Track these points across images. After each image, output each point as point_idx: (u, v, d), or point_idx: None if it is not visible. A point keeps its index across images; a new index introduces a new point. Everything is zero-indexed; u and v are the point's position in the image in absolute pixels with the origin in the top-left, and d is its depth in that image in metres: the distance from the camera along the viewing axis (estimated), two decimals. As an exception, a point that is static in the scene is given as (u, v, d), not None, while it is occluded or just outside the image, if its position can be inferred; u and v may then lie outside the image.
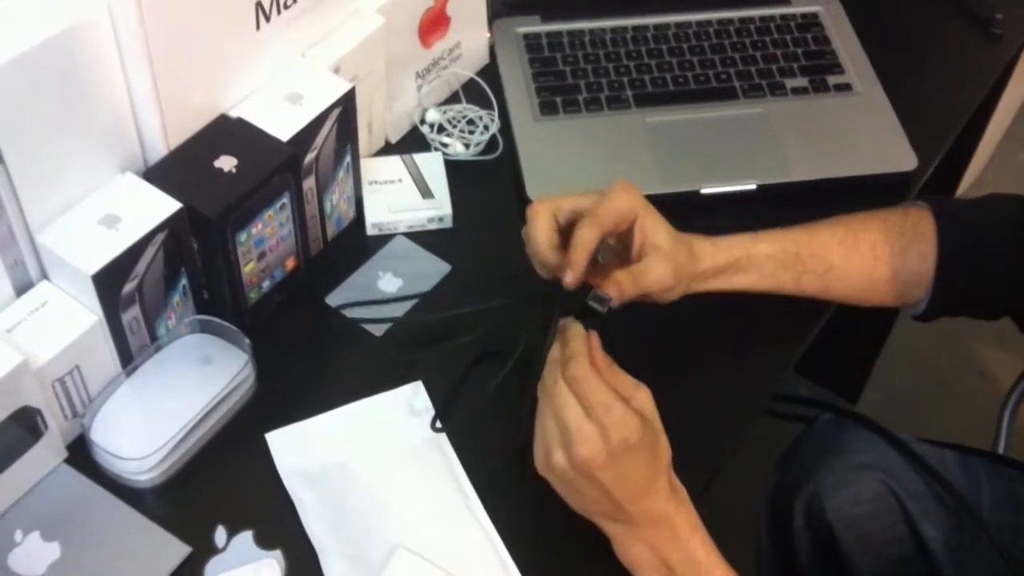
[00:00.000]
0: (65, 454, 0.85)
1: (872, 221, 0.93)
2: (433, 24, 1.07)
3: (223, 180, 0.85)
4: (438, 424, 0.88)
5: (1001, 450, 1.31)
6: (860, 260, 0.92)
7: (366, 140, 1.04)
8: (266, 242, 0.90)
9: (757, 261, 0.90)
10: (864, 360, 1.87)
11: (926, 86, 1.20)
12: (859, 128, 1.13)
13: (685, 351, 0.95)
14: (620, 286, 0.82)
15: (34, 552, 0.80)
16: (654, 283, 0.84)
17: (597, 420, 0.75)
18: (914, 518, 1.03)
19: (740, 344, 0.96)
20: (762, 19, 1.21)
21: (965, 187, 2.20)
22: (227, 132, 0.89)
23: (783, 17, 1.22)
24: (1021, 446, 1.31)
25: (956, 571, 1.02)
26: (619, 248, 0.87)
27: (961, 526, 1.02)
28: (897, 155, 1.10)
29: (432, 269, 0.99)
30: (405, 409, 0.90)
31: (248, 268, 0.90)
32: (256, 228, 0.88)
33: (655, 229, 0.85)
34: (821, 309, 0.98)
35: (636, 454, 0.76)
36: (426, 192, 1.03)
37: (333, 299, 0.97)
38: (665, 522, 0.77)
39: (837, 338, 1.29)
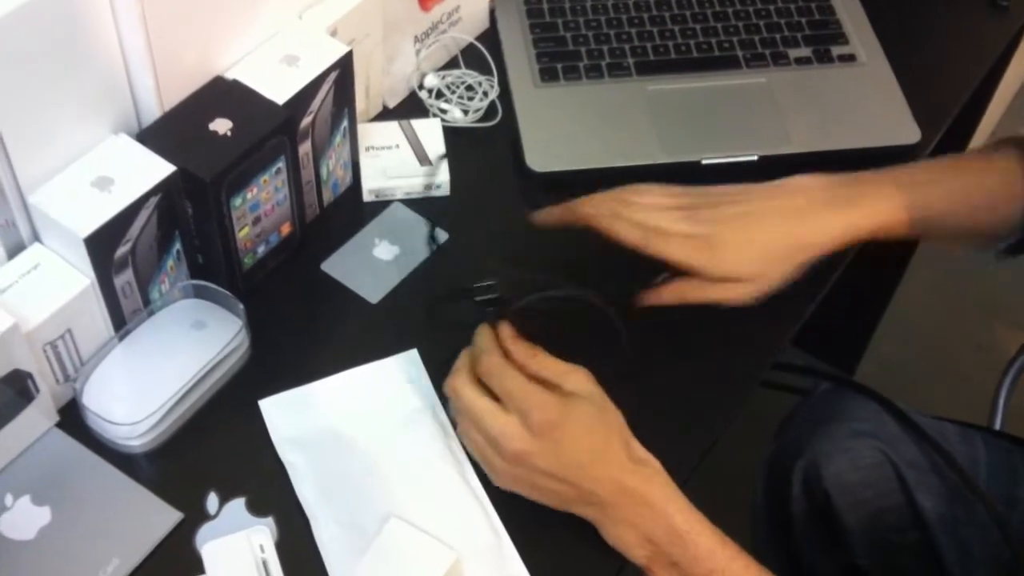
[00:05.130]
0: (56, 418, 0.84)
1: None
2: (433, -13, 1.05)
3: (218, 143, 0.84)
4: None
5: (997, 425, 1.31)
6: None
7: (363, 105, 1.03)
8: (261, 207, 0.89)
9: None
10: (861, 332, 1.87)
11: (931, 58, 1.18)
12: (862, 100, 1.12)
13: (684, 322, 0.94)
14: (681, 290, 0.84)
15: (24, 516, 0.79)
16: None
17: (515, 408, 0.77)
18: (911, 487, 1.03)
19: (739, 315, 0.95)
20: (766, -13, 1.20)
21: (966, 161, 2.19)
22: (222, 94, 0.87)
23: (788, -14, 1.20)
24: (1017, 421, 1.31)
25: (950, 541, 1.02)
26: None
27: (957, 497, 1.02)
28: (900, 128, 1.09)
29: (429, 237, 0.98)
30: (400, 377, 0.89)
31: (243, 233, 0.89)
32: (251, 192, 0.87)
33: None
34: (820, 280, 0.98)
35: (568, 431, 0.77)
36: (424, 158, 1.02)
37: (328, 266, 0.96)
38: (636, 496, 0.77)
39: (835, 310, 1.29)
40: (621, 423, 0.80)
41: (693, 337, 0.93)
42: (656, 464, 0.79)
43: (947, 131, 1.13)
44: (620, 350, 0.88)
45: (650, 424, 0.81)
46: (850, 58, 1.14)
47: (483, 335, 0.83)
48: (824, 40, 1.16)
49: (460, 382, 0.81)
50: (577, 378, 0.80)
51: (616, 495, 0.77)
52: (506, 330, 0.82)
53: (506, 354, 0.81)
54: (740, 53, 1.14)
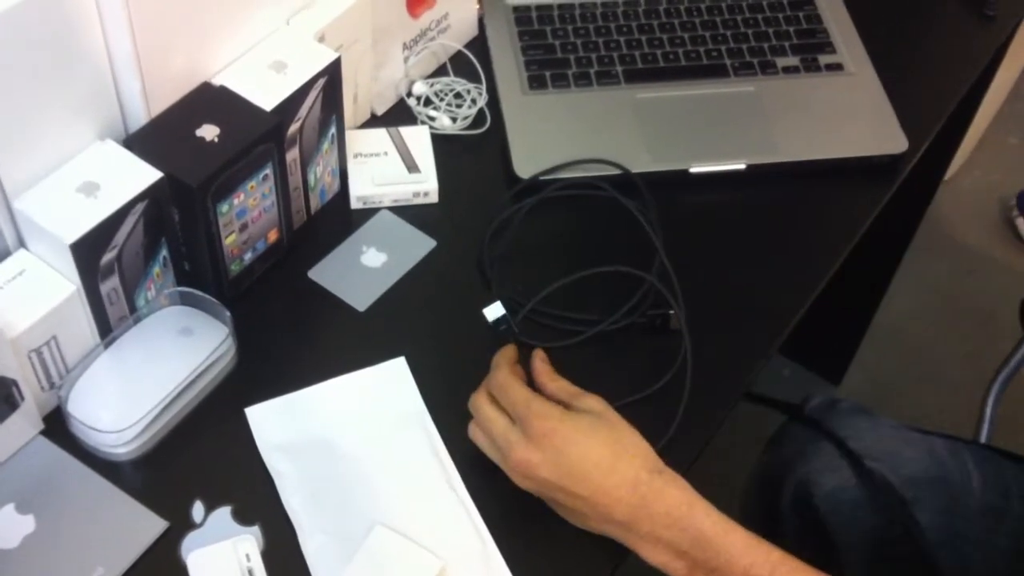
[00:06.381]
0: (41, 426, 0.84)
1: None
2: (421, -6, 1.05)
3: (205, 149, 0.84)
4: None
5: (983, 437, 1.31)
6: None
7: (351, 111, 1.03)
8: (248, 213, 0.89)
9: None
10: (848, 341, 1.87)
11: (918, 67, 1.19)
12: (849, 109, 1.12)
13: (671, 331, 0.94)
14: None
15: (8, 524, 0.79)
16: None
17: (518, 419, 0.79)
18: (908, 503, 1.02)
19: (724, 324, 0.95)
20: (754, -4, 1.20)
21: (954, 170, 2.20)
22: (209, 100, 0.87)
23: (776, -5, 1.20)
24: (1005, 432, 1.31)
25: (950, 555, 1.02)
26: None
27: (957, 511, 1.02)
28: (887, 137, 1.09)
29: (417, 244, 0.98)
30: (387, 385, 0.89)
31: (229, 239, 0.88)
32: (238, 199, 0.86)
33: None
34: (807, 289, 0.98)
35: (570, 440, 0.77)
36: (412, 166, 1.01)
37: (315, 273, 0.96)
38: (653, 508, 0.76)
39: (821, 319, 1.29)
40: (637, 440, 0.79)
41: (676, 344, 0.93)
42: (673, 473, 0.78)
43: (934, 140, 1.14)
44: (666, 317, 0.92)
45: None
46: (837, 67, 1.15)
47: (498, 354, 0.84)
48: (812, 49, 1.16)
49: (480, 398, 0.82)
50: (589, 399, 0.81)
51: (632, 509, 0.76)
52: (541, 353, 0.85)
53: (531, 375, 0.83)
54: (728, 62, 1.14)
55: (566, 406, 0.80)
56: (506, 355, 0.84)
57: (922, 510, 1.02)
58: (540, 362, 0.84)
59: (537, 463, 0.77)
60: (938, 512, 1.02)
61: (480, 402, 0.82)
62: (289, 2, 0.92)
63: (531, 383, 0.83)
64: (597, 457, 0.77)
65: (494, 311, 0.85)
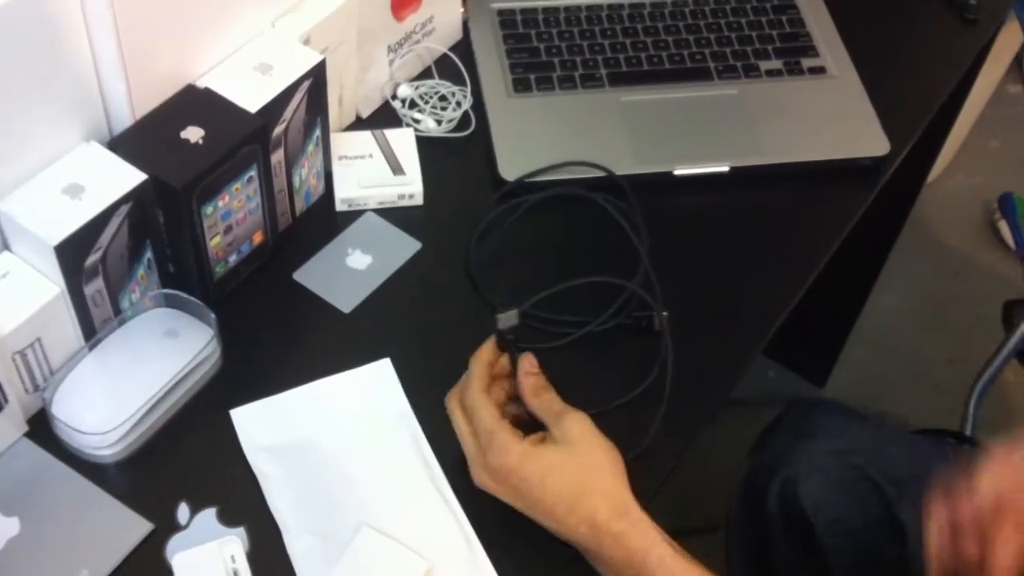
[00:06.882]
0: (26, 428, 0.84)
1: None
2: (406, -3, 1.05)
3: (190, 151, 0.84)
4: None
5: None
6: None
7: (336, 114, 1.03)
8: (233, 215, 0.89)
9: None
10: (833, 343, 1.88)
11: (900, 71, 1.19)
12: (832, 112, 1.12)
13: (656, 332, 0.94)
14: None
15: (-8, 527, 0.79)
16: None
17: (482, 447, 0.79)
18: (891, 501, 1.03)
19: (708, 325, 0.95)
20: (738, 0, 1.20)
21: (936, 174, 2.21)
22: (194, 102, 0.87)
23: (759, -2, 1.21)
24: (987, 433, 1.32)
25: None
26: None
27: None
28: (870, 139, 1.10)
29: (402, 246, 0.98)
30: (372, 387, 0.89)
31: (214, 241, 0.88)
32: (223, 201, 0.86)
33: None
34: (791, 290, 0.98)
35: (529, 478, 0.77)
36: (397, 168, 1.02)
37: (301, 275, 0.96)
38: (613, 547, 0.76)
39: (806, 320, 1.29)
40: (606, 475, 0.78)
41: (659, 345, 0.94)
42: (638, 514, 0.77)
43: (916, 143, 1.14)
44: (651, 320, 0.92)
45: (619, 439, 0.81)
46: (820, 70, 1.15)
47: (475, 361, 0.83)
48: (795, 52, 1.17)
49: (453, 402, 0.82)
50: (571, 422, 0.79)
51: (593, 541, 0.76)
52: (526, 363, 0.83)
53: (518, 385, 0.82)
54: (712, 65, 1.14)
55: (546, 427, 0.80)
56: (481, 358, 0.83)
57: (905, 508, 1.02)
58: (524, 376, 0.82)
59: (497, 490, 0.79)
60: (921, 510, 1.02)
61: (452, 407, 0.82)
62: (274, 5, 0.92)
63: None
64: (557, 497, 0.77)
65: (508, 320, 0.84)
